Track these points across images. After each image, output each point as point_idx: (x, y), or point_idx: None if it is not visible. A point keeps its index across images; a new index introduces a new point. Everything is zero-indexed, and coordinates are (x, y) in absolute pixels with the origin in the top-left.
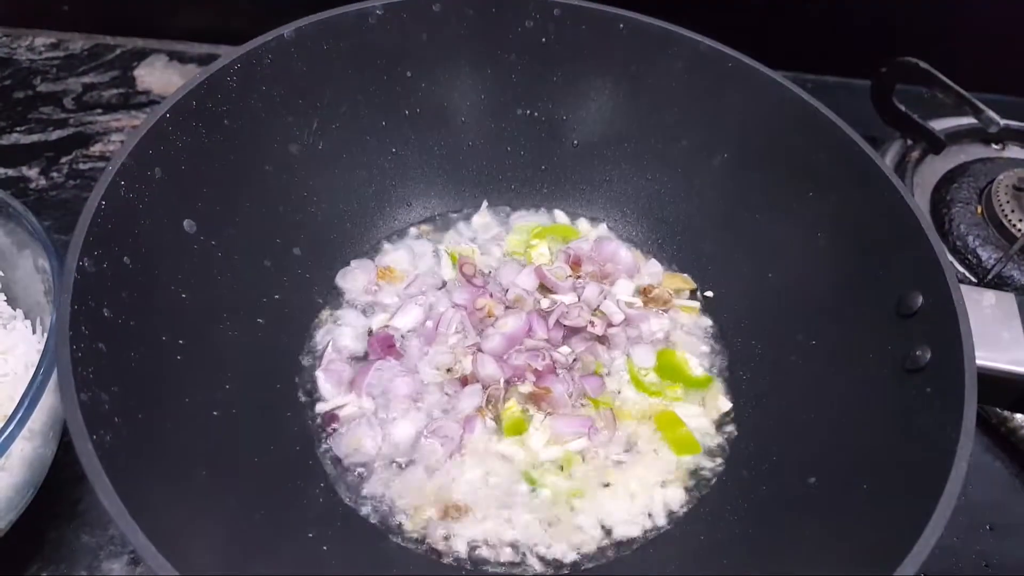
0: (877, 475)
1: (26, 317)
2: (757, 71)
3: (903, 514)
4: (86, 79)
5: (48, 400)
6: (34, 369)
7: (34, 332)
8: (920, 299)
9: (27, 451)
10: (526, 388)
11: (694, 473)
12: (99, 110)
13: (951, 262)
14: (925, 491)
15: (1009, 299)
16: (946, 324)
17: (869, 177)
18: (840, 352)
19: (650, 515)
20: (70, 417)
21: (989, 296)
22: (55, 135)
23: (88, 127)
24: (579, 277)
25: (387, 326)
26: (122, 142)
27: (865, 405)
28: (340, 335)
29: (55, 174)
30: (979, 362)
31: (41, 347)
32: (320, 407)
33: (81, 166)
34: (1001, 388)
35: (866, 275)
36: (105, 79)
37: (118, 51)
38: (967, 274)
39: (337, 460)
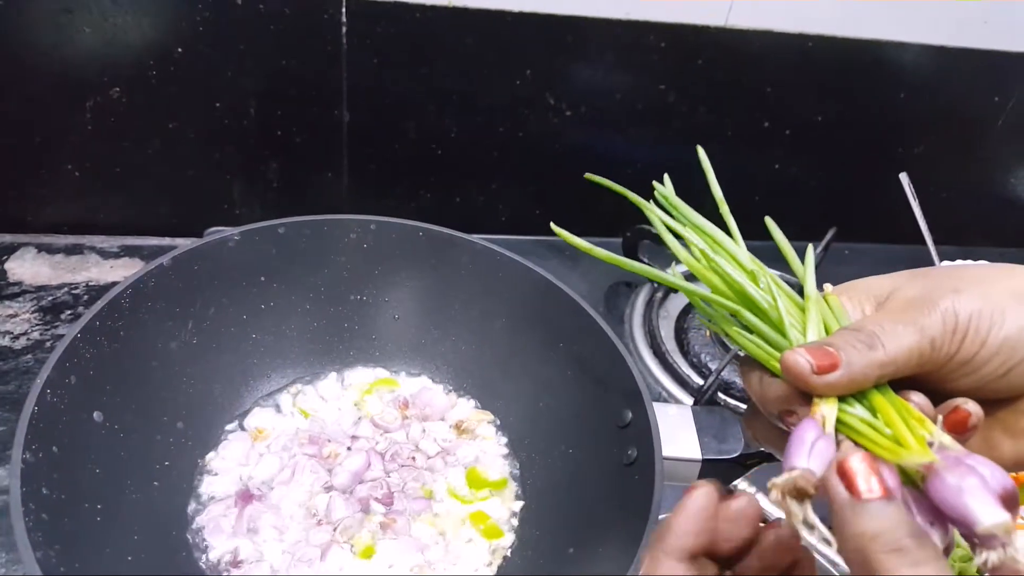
0: (609, 541)
1: None
2: (516, 261)
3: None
4: None
5: None
6: None
7: None
8: (630, 415)
9: None
10: (378, 518)
11: (498, 553)
12: None
13: (687, 375)
14: (632, 549)
15: (686, 409)
16: (645, 431)
17: (593, 331)
18: (586, 457)
19: None
20: (29, 569)
21: (672, 409)
22: None
23: None
24: (406, 418)
25: (250, 477)
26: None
27: (602, 493)
28: (220, 489)
29: None
30: (666, 454)
31: None
32: (212, 554)
33: None
34: (680, 469)
35: (598, 400)
36: None
37: None
38: (701, 382)
39: None
